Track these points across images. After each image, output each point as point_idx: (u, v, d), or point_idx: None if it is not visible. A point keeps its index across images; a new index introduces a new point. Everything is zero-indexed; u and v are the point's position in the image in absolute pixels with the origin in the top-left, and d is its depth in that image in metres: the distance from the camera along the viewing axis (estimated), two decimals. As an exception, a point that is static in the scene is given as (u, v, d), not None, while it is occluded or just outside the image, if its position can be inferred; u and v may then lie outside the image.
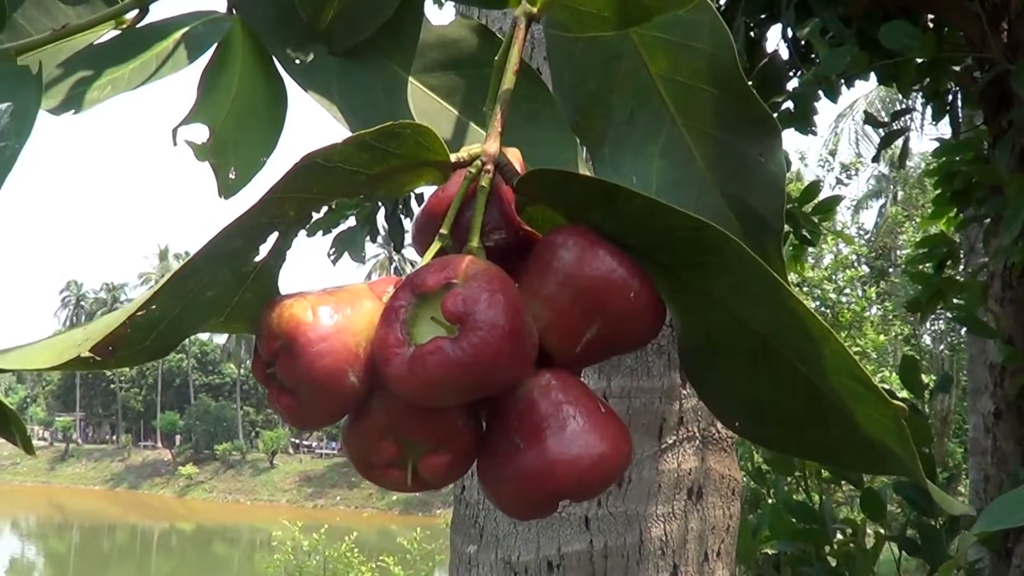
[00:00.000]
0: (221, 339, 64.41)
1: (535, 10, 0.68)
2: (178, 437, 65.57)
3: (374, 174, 0.59)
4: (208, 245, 0.54)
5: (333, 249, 5.79)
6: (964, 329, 6.72)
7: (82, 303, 76.58)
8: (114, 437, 71.53)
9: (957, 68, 4.15)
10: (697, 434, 2.45)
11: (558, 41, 0.71)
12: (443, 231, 0.59)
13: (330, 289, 0.58)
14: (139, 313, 0.54)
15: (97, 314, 73.69)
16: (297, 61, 0.80)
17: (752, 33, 4.08)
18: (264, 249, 0.59)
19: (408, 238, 5.77)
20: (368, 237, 5.83)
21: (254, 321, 0.58)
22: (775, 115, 4.03)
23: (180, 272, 0.54)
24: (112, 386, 71.58)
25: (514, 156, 0.62)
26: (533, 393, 0.56)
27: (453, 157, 0.61)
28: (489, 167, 0.60)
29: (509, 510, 0.58)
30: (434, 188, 0.63)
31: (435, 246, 0.59)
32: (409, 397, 0.54)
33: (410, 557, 12.78)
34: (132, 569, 36.55)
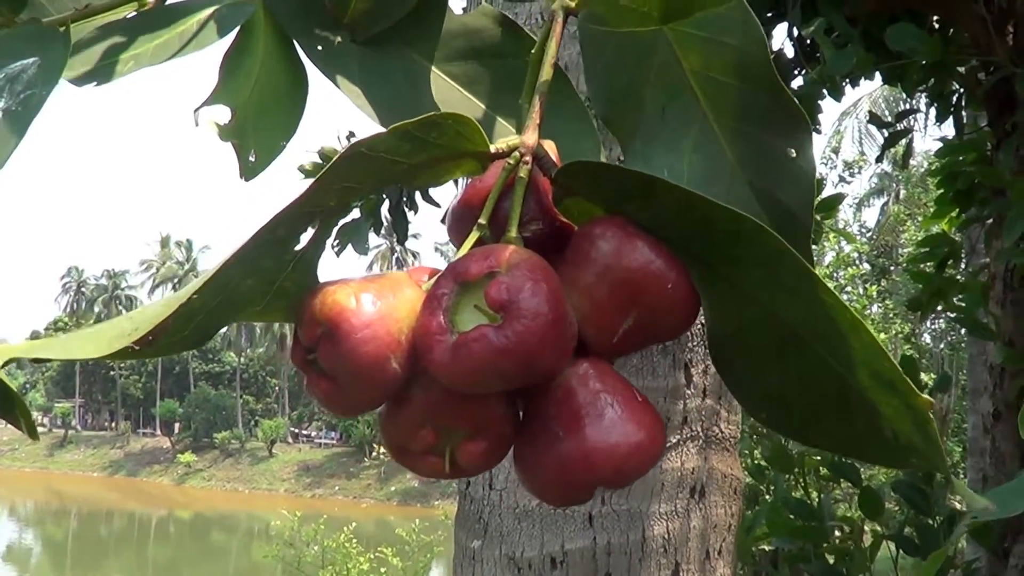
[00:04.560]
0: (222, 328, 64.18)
1: (573, 4, 0.69)
2: (177, 425, 65.48)
3: (414, 163, 0.60)
4: (254, 235, 0.55)
5: (337, 240, 5.79)
6: (964, 330, 6.73)
7: (83, 289, 76.50)
8: (113, 424, 71.46)
9: (962, 70, 4.15)
10: (700, 433, 2.45)
11: (593, 35, 0.71)
12: (481, 221, 0.60)
13: (371, 277, 0.58)
14: (185, 303, 0.54)
15: (97, 300, 73.70)
16: (319, 47, 0.80)
17: (758, 32, 4.07)
18: (305, 238, 0.60)
19: (411, 230, 5.75)
20: (372, 229, 5.83)
21: (295, 308, 0.59)
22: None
23: (227, 263, 0.55)
24: (111, 373, 71.49)
25: (550, 148, 0.63)
26: (571, 381, 0.57)
27: (492, 148, 0.62)
28: (528, 158, 0.61)
29: (545, 496, 0.59)
30: (470, 179, 0.64)
31: (473, 236, 0.60)
32: (452, 384, 0.55)
33: (408, 548, 12.78)
34: (130, 556, 36.50)
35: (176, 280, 68.37)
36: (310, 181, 0.54)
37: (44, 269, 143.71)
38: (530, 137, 0.62)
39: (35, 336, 70.98)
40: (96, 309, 74.35)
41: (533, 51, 0.67)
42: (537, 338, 0.53)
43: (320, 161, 5.12)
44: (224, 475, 58.89)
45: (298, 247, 0.60)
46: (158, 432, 67.42)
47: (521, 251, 0.56)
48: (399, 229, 5.67)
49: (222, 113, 0.81)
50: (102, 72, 0.79)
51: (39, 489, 58.00)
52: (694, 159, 0.69)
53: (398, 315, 0.56)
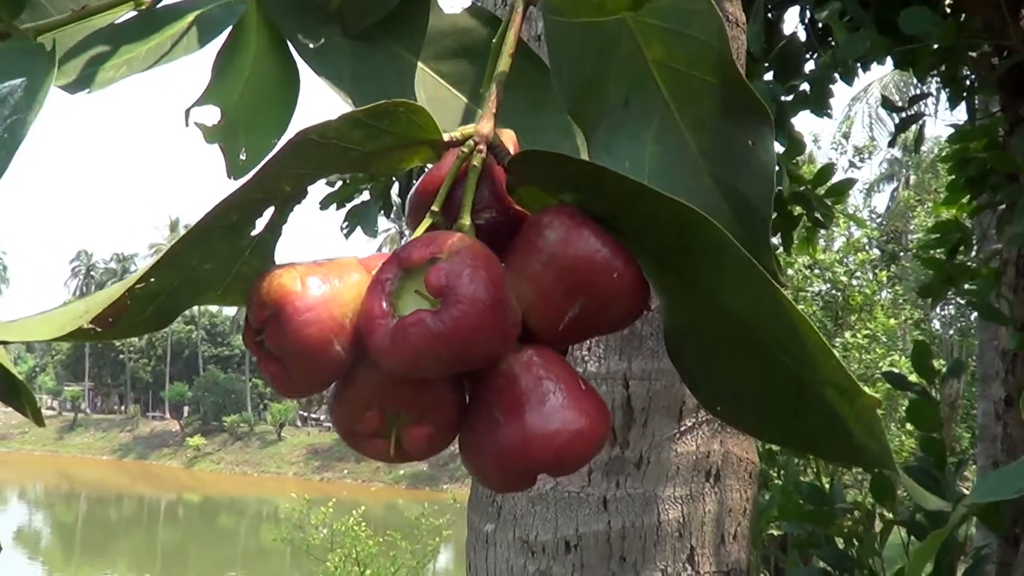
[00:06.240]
0: (230, 311, 64.46)
1: None
2: (186, 408, 65.74)
3: (367, 151, 0.60)
4: (203, 220, 0.56)
5: (346, 223, 5.80)
6: (975, 315, 6.71)
7: (92, 273, 76.72)
8: (122, 407, 71.73)
9: (974, 55, 4.13)
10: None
11: (555, 26, 0.72)
12: (434, 208, 0.60)
13: (320, 261, 0.59)
14: (138, 286, 0.55)
15: (107, 284, 73.83)
16: (311, 45, 0.81)
17: (770, 15, 4.07)
18: (260, 223, 0.61)
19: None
20: (382, 211, 5.84)
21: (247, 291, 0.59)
22: (792, 96, 4.03)
23: (176, 247, 0.55)
24: (121, 356, 71.77)
25: (508, 138, 0.63)
26: (514, 368, 0.57)
27: (446, 136, 0.62)
28: (482, 147, 0.61)
29: (488, 482, 0.59)
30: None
31: (426, 222, 0.60)
32: (391, 368, 0.55)
33: (417, 532, 12.81)
34: (139, 539, 36.67)
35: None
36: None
37: (54, 253, 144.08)
38: (485, 125, 0.62)
39: (45, 319, 71.13)
40: (105, 293, 74.40)
41: (493, 41, 0.67)
42: (473, 324, 0.53)
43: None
44: (233, 458, 59.08)
45: (254, 232, 0.61)
46: (167, 415, 67.64)
47: (464, 238, 0.56)
48: (409, 212, 5.65)
49: (212, 114, 0.81)
50: (92, 79, 0.80)
51: (49, 472, 58.23)
52: (656, 150, 0.69)
53: (343, 299, 0.57)
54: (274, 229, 0.62)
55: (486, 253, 0.56)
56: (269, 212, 0.61)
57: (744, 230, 0.67)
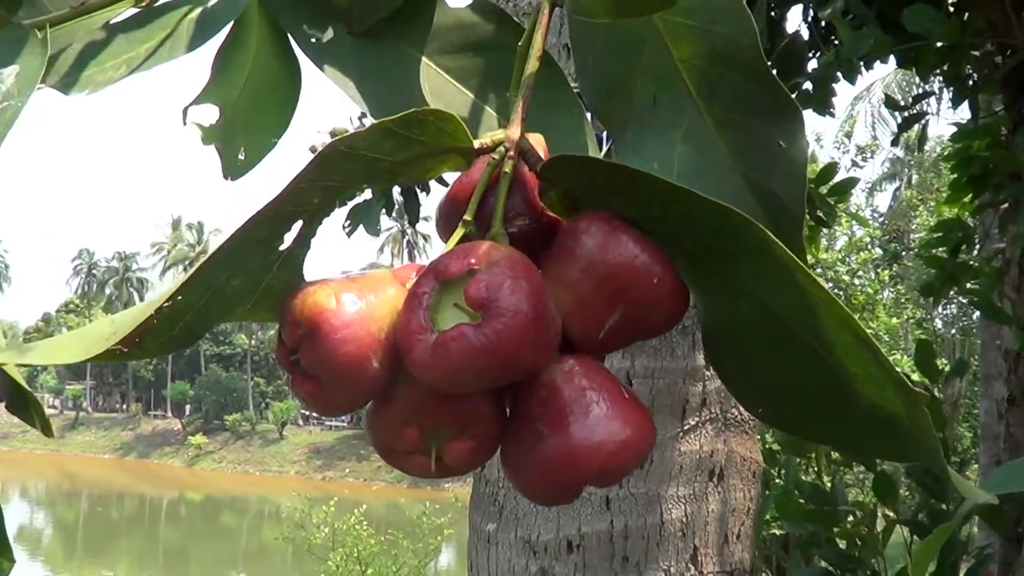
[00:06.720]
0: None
1: None
2: (188, 407, 65.71)
3: (397, 161, 0.59)
4: (234, 235, 0.55)
5: (348, 221, 5.79)
6: (977, 314, 6.71)
7: (94, 271, 76.78)
8: (124, 406, 71.72)
9: (977, 53, 4.12)
10: (719, 415, 2.44)
11: (581, 26, 0.71)
12: (467, 217, 0.59)
13: (354, 276, 0.58)
14: (165, 304, 0.54)
15: (108, 282, 73.96)
16: (314, 40, 0.80)
17: (773, 13, 4.06)
18: (289, 237, 0.60)
19: (423, 212, 5.75)
20: (384, 210, 5.83)
21: (279, 308, 0.58)
22: (795, 95, 4.02)
23: (207, 264, 0.55)
24: (123, 355, 71.63)
25: (537, 142, 0.62)
26: (556, 379, 0.56)
27: (476, 143, 0.61)
28: (512, 153, 0.60)
29: (532, 496, 0.58)
30: (458, 174, 0.63)
31: (458, 232, 0.59)
32: (432, 383, 0.54)
33: (419, 531, 12.81)
34: (141, 537, 36.69)
35: (187, 263, 68.50)
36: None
37: (55, 251, 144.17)
38: (515, 131, 0.61)
39: (46, 319, 71.28)
40: (107, 291, 74.69)
41: (520, 43, 0.67)
42: (516, 336, 0.52)
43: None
44: (235, 457, 59.08)
45: (283, 246, 0.60)
46: (169, 414, 67.65)
47: (502, 248, 0.55)
48: (411, 211, 5.67)
49: (209, 113, 0.81)
50: (92, 80, 0.80)
51: (50, 471, 58.27)
52: (685, 150, 0.69)
53: (379, 314, 0.56)
54: (303, 243, 0.61)
55: (525, 263, 0.55)
56: (298, 226, 0.60)
57: (777, 229, 0.66)
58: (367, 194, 5.73)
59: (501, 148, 0.60)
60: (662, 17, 0.67)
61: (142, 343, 0.55)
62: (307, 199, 0.57)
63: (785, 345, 0.55)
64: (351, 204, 5.75)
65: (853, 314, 0.51)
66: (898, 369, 0.52)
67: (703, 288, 0.59)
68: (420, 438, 0.57)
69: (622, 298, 0.56)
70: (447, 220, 0.62)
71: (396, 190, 5.80)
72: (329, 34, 0.80)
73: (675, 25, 0.67)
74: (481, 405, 0.57)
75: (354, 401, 0.57)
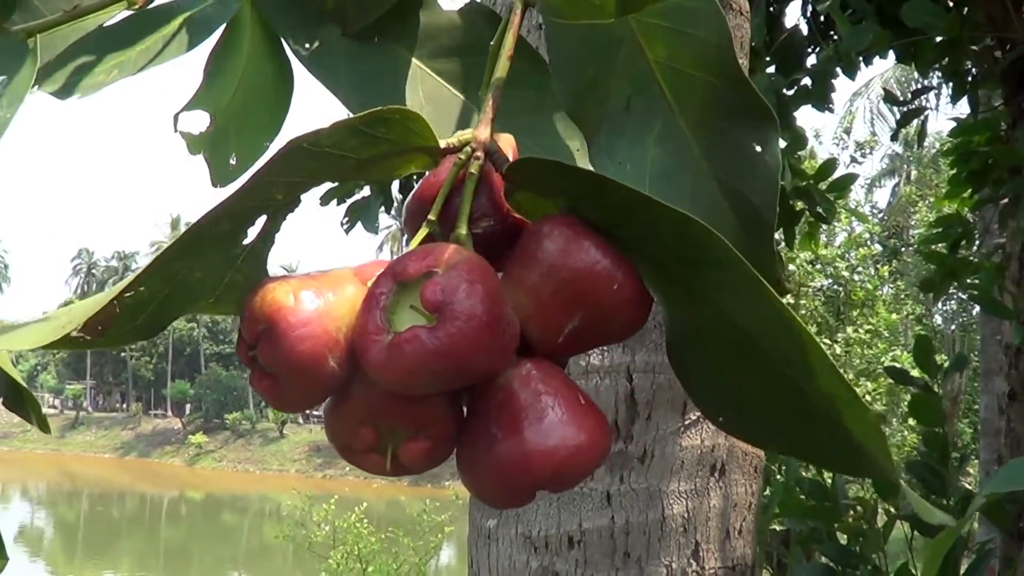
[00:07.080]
0: (232, 309, 64.54)
1: None
2: (188, 406, 65.81)
3: (363, 159, 0.59)
4: (193, 227, 0.55)
5: (346, 219, 5.79)
6: (977, 310, 6.71)
7: (93, 271, 76.88)
8: (124, 405, 71.81)
9: (976, 48, 4.13)
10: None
11: (556, 27, 0.71)
12: (431, 217, 0.59)
13: (314, 274, 0.58)
14: (127, 294, 0.54)
15: (108, 282, 74.00)
16: (307, 44, 0.80)
17: (772, 8, 4.06)
18: (252, 232, 0.60)
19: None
20: (383, 207, 5.82)
21: (240, 304, 0.58)
22: (793, 91, 4.03)
23: (166, 254, 0.54)
24: (122, 354, 71.81)
25: (507, 143, 0.62)
26: (512, 383, 0.56)
27: (443, 143, 0.60)
28: (479, 154, 0.60)
29: (485, 498, 0.58)
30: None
31: (422, 232, 0.59)
32: (386, 384, 0.54)
33: (419, 528, 12.82)
34: (141, 537, 36.70)
35: (186, 261, 68.39)
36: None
37: (55, 251, 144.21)
38: (482, 132, 0.60)
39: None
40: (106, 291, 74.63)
41: (491, 44, 0.66)
42: (470, 340, 0.52)
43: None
44: (235, 456, 59.15)
45: (246, 241, 0.60)
46: (169, 413, 67.73)
47: (461, 251, 0.55)
48: (410, 208, 5.64)
49: (199, 120, 0.80)
50: (82, 84, 0.79)
51: (51, 470, 58.31)
52: (658, 153, 0.68)
53: (337, 313, 0.56)
54: (267, 238, 0.61)
55: (483, 266, 0.55)
56: (262, 221, 0.60)
57: (748, 234, 0.66)
58: (366, 191, 5.73)
59: (468, 148, 0.60)
60: (637, 18, 0.67)
61: (105, 331, 0.55)
62: (270, 195, 0.57)
63: (747, 356, 0.55)
64: (349, 201, 5.75)
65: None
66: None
67: (667, 294, 0.58)
68: (376, 437, 0.57)
69: (582, 303, 0.56)
70: (413, 219, 0.61)
71: (396, 187, 5.80)
72: (321, 38, 0.80)
73: (650, 27, 0.67)
74: (438, 406, 0.57)
75: (311, 399, 0.57)
